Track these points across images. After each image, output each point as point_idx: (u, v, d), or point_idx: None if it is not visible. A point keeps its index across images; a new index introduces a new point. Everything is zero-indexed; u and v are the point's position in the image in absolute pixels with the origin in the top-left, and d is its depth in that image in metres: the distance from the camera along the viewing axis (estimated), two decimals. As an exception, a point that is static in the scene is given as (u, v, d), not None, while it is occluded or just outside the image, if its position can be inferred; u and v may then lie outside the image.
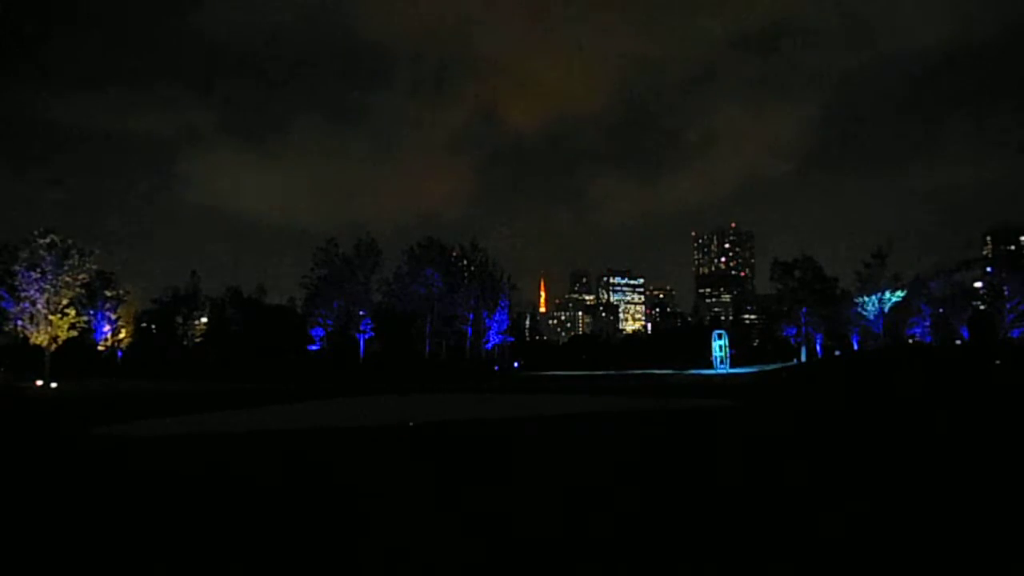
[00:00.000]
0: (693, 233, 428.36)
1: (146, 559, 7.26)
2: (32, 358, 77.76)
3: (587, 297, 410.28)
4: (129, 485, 12.05)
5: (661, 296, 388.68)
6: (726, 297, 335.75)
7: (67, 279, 78.42)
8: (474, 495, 10.52)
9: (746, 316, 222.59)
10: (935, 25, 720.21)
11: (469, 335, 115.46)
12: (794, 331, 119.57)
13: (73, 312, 79.47)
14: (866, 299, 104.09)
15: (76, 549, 7.69)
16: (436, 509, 9.59)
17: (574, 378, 77.51)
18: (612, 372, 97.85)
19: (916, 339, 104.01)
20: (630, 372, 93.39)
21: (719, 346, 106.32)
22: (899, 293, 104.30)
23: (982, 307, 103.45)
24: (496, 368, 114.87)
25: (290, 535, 8.06)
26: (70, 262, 78.79)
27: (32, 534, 8.43)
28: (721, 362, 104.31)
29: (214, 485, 11.98)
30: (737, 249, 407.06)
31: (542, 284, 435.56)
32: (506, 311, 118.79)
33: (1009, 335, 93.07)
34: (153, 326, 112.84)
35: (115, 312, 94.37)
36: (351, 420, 26.15)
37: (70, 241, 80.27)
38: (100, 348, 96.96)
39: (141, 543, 7.89)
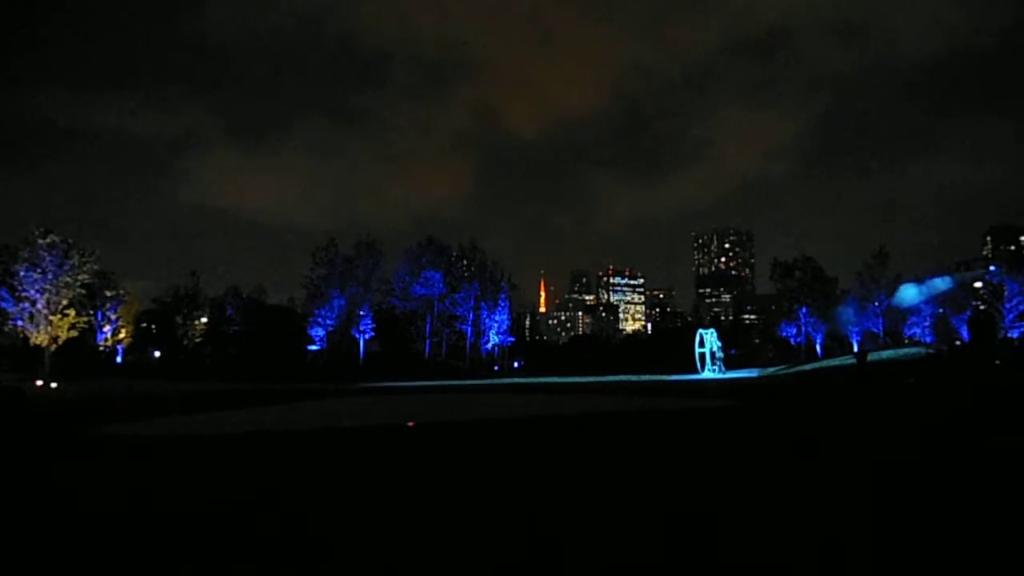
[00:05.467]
0: (693, 233, 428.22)
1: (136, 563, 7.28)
2: (32, 358, 77.69)
3: (587, 297, 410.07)
4: (125, 485, 12.08)
5: (661, 296, 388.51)
6: (726, 297, 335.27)
7: (67, 279, 78.41)
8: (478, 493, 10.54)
9: (746, 316, 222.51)
10: (934, 28, 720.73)
11: (469, 335, 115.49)
12: (794, 331, 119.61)
13: (73, 312, 79.46)
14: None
15: (68, 552, 7.71)
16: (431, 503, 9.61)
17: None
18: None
19: (916, 339, 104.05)
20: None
21: (708, 345, 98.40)
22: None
23: (982, 307, 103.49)
24: (496, 368, 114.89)
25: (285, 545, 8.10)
26: (71, 262, 78.78)
27: (24, 537, 8.45)
28: (705, 366, 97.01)
29: (209, 489, 12.02)
30: (737, 249, 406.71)
31: (542, 284, 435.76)
32: (506, 311, 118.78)
33: (1009, 335, 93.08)
34: (153, 326, 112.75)
35: (115, 312, 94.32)
36: (350, 420, 26.16)
37: (70, 241, 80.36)
38: (100, 348, 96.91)
39: (136, 546, 7.92)
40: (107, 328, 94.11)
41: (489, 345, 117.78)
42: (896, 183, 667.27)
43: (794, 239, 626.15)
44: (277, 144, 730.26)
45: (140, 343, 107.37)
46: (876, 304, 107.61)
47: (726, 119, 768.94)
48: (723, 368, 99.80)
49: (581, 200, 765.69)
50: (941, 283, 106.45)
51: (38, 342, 77.36)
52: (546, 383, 72.44)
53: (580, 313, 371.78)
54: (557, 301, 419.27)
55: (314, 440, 19.39)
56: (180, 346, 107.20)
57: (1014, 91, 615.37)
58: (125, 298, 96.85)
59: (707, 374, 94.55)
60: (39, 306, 76.69)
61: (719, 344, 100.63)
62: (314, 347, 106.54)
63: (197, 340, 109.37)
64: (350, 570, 6.91)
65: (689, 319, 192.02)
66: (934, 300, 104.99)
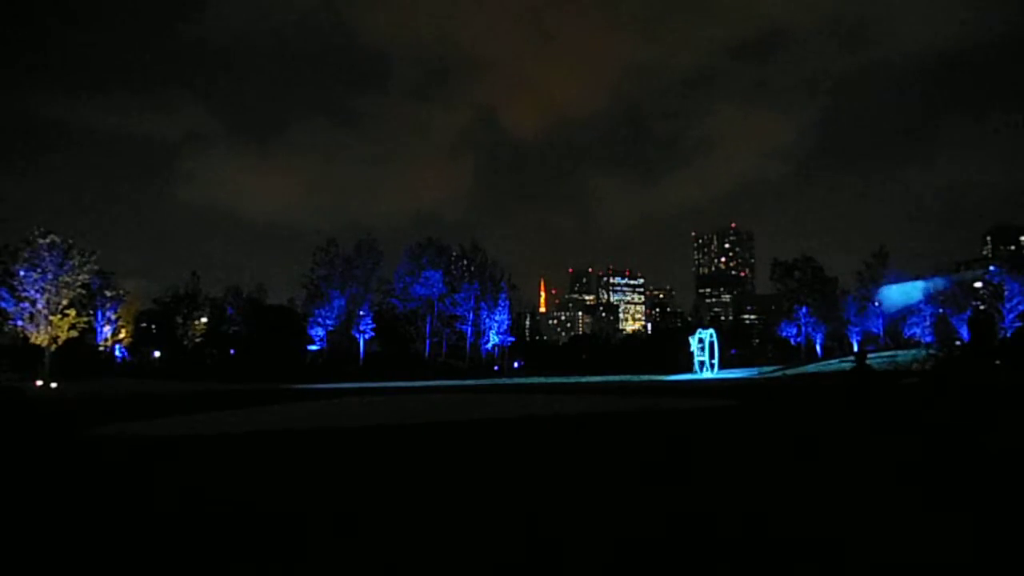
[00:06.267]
0: (693, 233, 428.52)
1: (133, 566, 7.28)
2: (32, 358, 77.74)
3: (587, 297, 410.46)
4: (125, 485, 12.08)
5: (661, 296, 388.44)
6: (726, 297, 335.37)
7: (67, 279, 78.46)
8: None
9: (746, 316, 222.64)
10: (934, 28, 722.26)
11: (469, 335, 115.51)
12: (794, 331, 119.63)
13: (73, 312, 79.49)
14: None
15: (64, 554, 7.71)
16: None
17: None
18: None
19: (916, 339, 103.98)
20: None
21: (702, 347, 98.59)
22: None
23: (982, 307, 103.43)
24: (496, 368, 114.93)
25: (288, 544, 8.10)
26: (71, 262, 78.83)
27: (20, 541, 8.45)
28: (703, 366, 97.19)
29: (209, 489, 12.02)
30: (737, 249, 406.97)
31: (542, 284, 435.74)
32: (506, 311, 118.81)
33: (1007, 335, 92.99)
34: (153, 326, 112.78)
35: (115, 312, 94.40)
36: (350, 420, 26.16)
37: (71, 241, 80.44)
38: (100, 348, 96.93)
39: (135, 546, 7.92)
40: (107, 328, 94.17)
41: (489, 345, 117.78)
42: (896, 183, 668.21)
43: (794, 239, 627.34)
44: (277, 144, 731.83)
45: (140, 343, 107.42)
46: (876, 304, 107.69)
47: (726, 119, 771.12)
48: (715, 368, 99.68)
49: (581, 200, 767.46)
50: (932, 283, 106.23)
51: (38, 342, 77.38)
52: (546, 383, 72.45)
53: (580, 313, 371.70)
54: (557, 301, 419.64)
55: (314, 440, 19.40)
56: (180, 346, 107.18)
57: (1014, 91, 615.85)
58: (125, 298, 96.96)
59: (705, 374, 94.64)
60: (39, 306, 76.72)
61: (702, 346, 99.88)
62: (314, 347, 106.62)
63: (197, 340, 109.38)
64: (350, 570, 6.92)
65: (689, 319, 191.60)
66: (929, 300, 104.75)
